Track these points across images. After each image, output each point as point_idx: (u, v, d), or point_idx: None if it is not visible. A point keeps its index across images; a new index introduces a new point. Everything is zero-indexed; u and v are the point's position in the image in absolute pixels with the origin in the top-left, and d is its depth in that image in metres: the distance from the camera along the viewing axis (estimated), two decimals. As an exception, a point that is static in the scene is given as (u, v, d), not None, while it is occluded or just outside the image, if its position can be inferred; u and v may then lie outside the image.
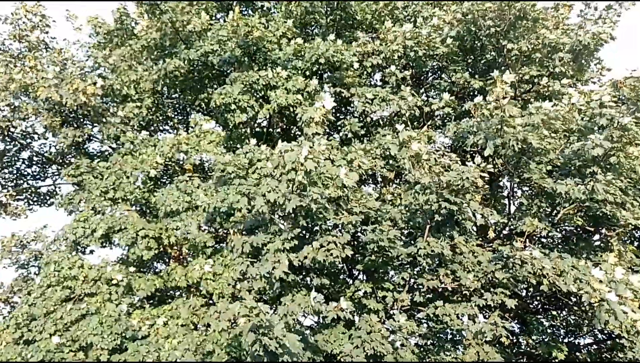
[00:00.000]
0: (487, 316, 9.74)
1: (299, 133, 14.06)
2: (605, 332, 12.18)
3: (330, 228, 9.47)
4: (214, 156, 10.06)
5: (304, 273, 10.81)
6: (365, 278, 10.90)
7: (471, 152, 10.65)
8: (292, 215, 8.58)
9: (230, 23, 12.01)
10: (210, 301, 10.86)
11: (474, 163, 8.92)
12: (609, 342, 12.01)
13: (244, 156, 9.38)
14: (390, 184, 11.86)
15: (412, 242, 9.34)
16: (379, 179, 11.89)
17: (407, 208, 9.94)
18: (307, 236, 9.82)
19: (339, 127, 12.02)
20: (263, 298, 11.10)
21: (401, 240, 9.33)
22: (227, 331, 9.14)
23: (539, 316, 12.37)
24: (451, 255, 8.98)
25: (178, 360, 9.00)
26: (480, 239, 10.29)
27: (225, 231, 11.60)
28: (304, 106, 11.33)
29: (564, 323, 12.89)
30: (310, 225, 9.58)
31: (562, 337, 12.80)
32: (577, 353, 12.35)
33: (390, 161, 11.01)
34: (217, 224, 10.77)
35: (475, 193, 8.86)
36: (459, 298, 9.63)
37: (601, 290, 7.75)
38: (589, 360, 12.16)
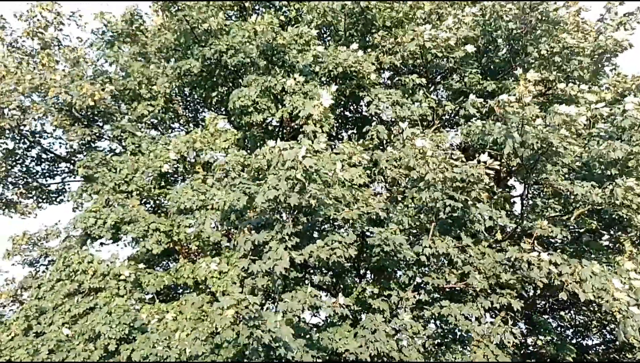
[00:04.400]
0: (494, 316, 9.65)
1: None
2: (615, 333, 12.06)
3: (335, 226, 9.38)
4: (231, 157, 10.01)
5: (307, 271, 10.73)
6: (372, 277, 10.80)
7: (488, 151, 10.53)
8: (293, 212, 8.55)
9: (251, 25, 11.99)
10: (214, 299, 10.81)
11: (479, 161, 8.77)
12: (617, 343, 11.89)
13: (262, 158, 9.31)
14: (400, 184, 11.73)
15: (418, 241, 9.27)
16: (389, 178, 11.75)
17: (413, 207, 9.87)
18: (311, 234, 9.79)
19: (364, 134, 11.89)
20: (270, 295, 11.03)
21: (408, 241, 9.24)
22: (231, 327, 9.09)
23: (546, 317, 12.26)
24: (457, 255, 8.92)
25: (187, 350, 8.94)
26: (489, 240, 10.18)
27: (235, 230, 11.55)
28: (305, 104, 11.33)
29: (572, 324, 12.78)
30: (311, 222, 9.56)
31: (570, 337, 12.69)
32: (586, 354, 12.24)
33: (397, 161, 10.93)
34: (229, 223, 10.72)
35: (482, 191, 8.76)
36: (465, 299, 9.56)
37: (622, 299, 7.67)
38: (596, 360, 12.04)
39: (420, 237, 9.42)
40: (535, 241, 8.99)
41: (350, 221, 9.06)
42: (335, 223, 9.66)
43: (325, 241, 8.53)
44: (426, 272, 9.76)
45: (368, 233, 10.19)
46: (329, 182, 8.57)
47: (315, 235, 10.03)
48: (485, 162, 8.41)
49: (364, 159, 9.66)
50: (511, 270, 8.94)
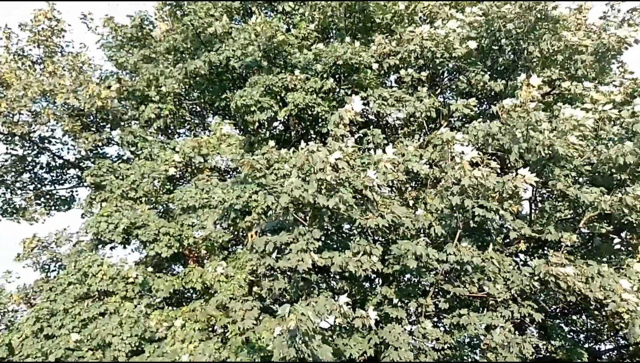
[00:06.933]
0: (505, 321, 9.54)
1: (315, 135, 14.05)
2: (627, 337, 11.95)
3: (356, 231, 9.30)
4: (232, 157, 10.07)
5: (325, 275, 10.65)
6: (389, 282, 10.68)
7: (497, 155, 10.40)
8: (317, 216, 8.48)
9: (252, 26, 12.06)
10: (223, 307, 10.84)
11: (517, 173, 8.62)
12: (631, 348, 11.78)
13: (261, 157, 9.35)
14: (411, 191, 11.65)
15: (442, 248, 8.99)
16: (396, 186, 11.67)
17: (438, 212, 9.67)
18: (332, 237, 9.71)
19: (361, 136, 11.83)
20: (284, 298, 11.00)
21: (430, 245, 9.01)
22: (247, 332, 9.08)
23: (558, 321, 12.17)
24: (480, 263, 8.70)
25: None
26: (509, 248, 10.08)
27: (242, 231, 11.59)
28: (322, 107, 11.33)
29: (584, 328, 12.66)
30: (334, 227, 9.45)
31: (582, 342, 12.58)
32: (598, 359, 12.13)
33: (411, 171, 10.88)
34: (230, 221, 10.74)
35: (515, 204, 8.59)
36: (484, 307, 9.47)
37: (629, 300, 7.61)
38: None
39: (444, 243, 9.17)
40: (563, 254, 8.82)
41: (375, 228, 8.90)
42: (358, 230, 9.58)
43: (352, 250, 8.43)
44: (447, 279, 9.55)
45: (390, 243, 10.04)
46: (358, 187, 8.48)
47: (336, 238, 10.04)
48: (523, 175, 8.17)
49: (388, 169, 9.44)
50: (536, 282, 8.75)
